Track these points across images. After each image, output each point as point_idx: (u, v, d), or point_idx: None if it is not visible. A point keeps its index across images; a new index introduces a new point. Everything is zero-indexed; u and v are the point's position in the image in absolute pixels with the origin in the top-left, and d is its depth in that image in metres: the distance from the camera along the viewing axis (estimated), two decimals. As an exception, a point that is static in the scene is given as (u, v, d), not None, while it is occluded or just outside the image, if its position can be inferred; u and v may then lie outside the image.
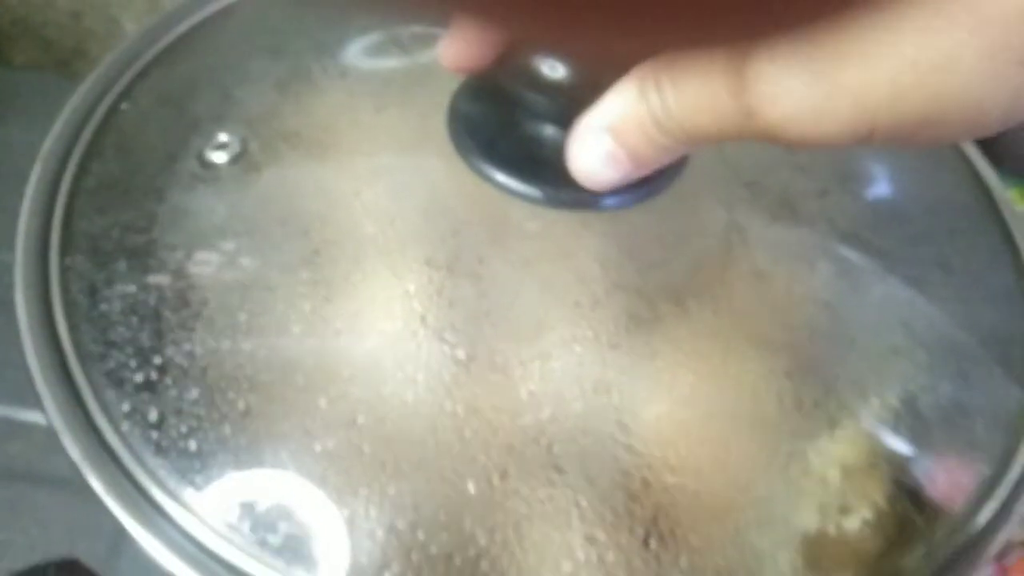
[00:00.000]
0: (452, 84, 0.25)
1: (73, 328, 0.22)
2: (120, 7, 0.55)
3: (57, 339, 0.22)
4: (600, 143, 0.20)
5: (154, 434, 0.21)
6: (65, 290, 0.23)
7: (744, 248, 0.25)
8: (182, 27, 0.30)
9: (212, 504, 0.20)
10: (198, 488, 0.20)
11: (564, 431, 0.21)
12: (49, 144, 0.26)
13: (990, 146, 0.30)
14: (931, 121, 0.16)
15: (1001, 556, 0.29)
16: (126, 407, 0.21)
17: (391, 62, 0.27)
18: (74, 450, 0.20)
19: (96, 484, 0.20)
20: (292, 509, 0.20)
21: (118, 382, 0.21)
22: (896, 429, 0.23)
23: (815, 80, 0.16)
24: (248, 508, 0.20)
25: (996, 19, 0.15)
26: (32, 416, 0.39)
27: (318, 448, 0.20)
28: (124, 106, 0.27)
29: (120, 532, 0.20)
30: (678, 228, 0.25)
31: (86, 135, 0.26)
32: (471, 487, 0.20)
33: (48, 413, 0.21)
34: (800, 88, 0.17)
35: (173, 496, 0.20)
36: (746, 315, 0.24)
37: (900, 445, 0.23)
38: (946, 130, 0.17)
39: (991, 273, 0.28)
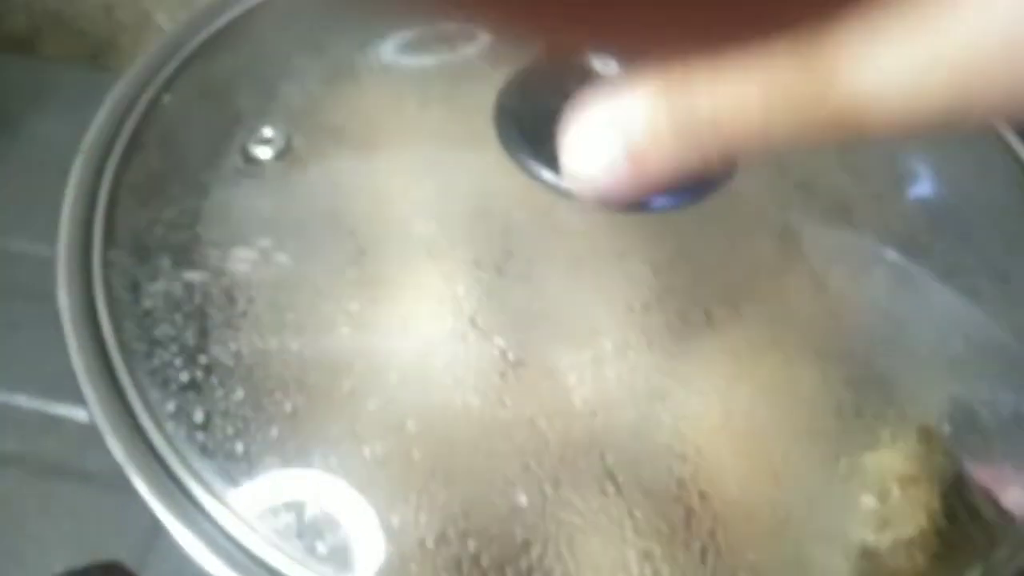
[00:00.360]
0: (498, 79, 0.24)
1: (116, 325, 0.22)
2: (152, 1, 0.55)
3: (101, 336, 0.22)
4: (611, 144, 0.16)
5: (200, 435, 0.20)
6: (107, 285, 0.22)
7: (798, 252, 0.24)
8: (223, 20, 0.29)
9: (259, 509, 0.20)
10: (245, 492, 0.20)
11: (617, 439, 0.20)
12: (92, 135, 0.25)
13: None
14: None
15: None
16: (171, 407, 0.21)
17: (435, 56, 0.27)
18: (118, 451, 0.20)
19: (141, 486, 0.19)
20: (341, 515, 0.19)
21: (163, 381, 0.21)
22: (955, 440, 0.22)
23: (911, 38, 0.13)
24: (296, 513, 0.19)
25: None
26: (65, 410, 0.38)
27: (367, 453, 0.20)
28: (166, 99, 0.27)
29: (154, 529, 0.19)
30: (730, 231, 0.24)
31: (128, 127, 0.26)
32: (522, 497, 0.19)
33: (92, 412, 0.20)
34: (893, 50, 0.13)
35: (220, 499, 0.19)
36: (802, 321, 0.23)
37: (960, 457, 0.22)
38: None
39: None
